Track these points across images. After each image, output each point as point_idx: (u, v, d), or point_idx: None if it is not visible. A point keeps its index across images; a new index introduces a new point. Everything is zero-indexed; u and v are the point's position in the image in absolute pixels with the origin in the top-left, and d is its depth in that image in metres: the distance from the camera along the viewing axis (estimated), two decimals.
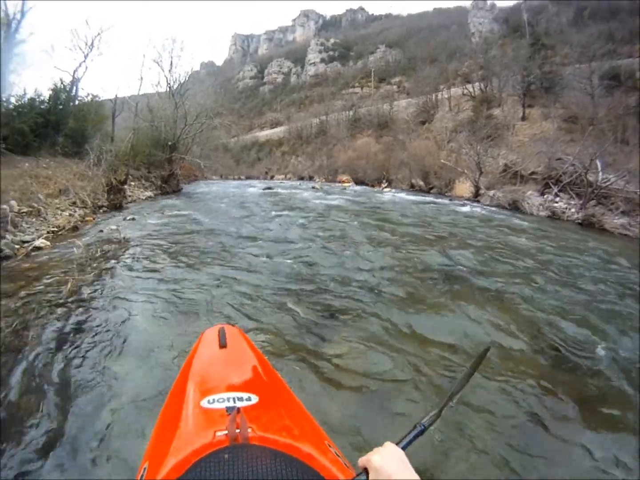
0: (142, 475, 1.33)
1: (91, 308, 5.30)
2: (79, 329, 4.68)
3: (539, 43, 44.92)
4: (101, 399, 3.42)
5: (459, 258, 8.64)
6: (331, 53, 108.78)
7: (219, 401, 1.54)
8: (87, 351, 4.19)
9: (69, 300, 5.46)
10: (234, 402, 1.52)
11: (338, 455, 1.41)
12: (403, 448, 1.06)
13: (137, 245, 8.92)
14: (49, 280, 6.22)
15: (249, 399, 1.56)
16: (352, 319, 5.25)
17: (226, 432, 1.28)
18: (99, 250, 8.17)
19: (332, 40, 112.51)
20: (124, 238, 9.44)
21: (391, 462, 0.96)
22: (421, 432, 1.17)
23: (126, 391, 3.55)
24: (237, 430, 1.27)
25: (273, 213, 15.24)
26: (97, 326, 4.76)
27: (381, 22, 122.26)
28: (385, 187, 34.83)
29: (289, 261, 7.93)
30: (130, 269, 7.09)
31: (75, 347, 4.25)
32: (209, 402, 1.54)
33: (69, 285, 5.80)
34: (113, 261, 7.55)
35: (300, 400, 1.92)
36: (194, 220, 13.18)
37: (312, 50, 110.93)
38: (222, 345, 2.01)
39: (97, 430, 3.03)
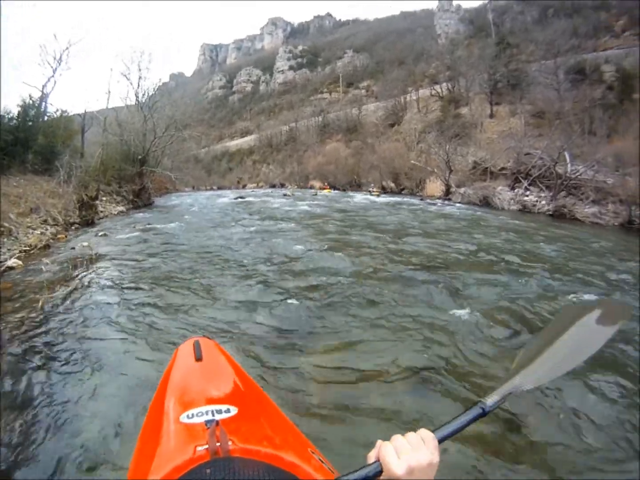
0: None
1: (63, 325, 5.22)
2: (51, 345, 4.64)
3: (504, 42, 45.47)
4: (77, 419, 3.35)
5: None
6: (299, 60, 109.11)
7: (198, 415, 1.47)
8: (59, 369, 4.13)
9: (41, 318, 5.40)
10: (213, 415, 1.46)
11: (322, 462, 1.34)
12: (441, 440, 0.85)
13: (108, 261, 8.86)
14: (22, 300, 6.17)
15: (227, 410, 1.50)
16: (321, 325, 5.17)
17: (207, 446, 1.20)
18: (70, 267, 8.07)
19: (300, 47, 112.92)
20: (95, 254, 9.28)
21: (410, 470, 0.75)
22: (481, 415, 0.94)
23: (101, 409, 3.50)
24: (218, 444, 1.18)
25: (244, 223, 15.04)
26: (69, 344, 4.69)
27: (348, 27, 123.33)
28: (374, 190, 32.44)
29: (263, 268, 7.91)
30: (102, 285, 7.04)
31: (48, 365, 4.20)
32: (188, 416, 1.48)
33: (41, 303, 5.77)
34: (85, 278, 7.47)
35: (280, 408, 1.87)
36: (164, 233, 13.03)
37: (280, 57, 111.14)
38: (198, 358, 1.93)
39: (70, 454, 2.90)
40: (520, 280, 6.74)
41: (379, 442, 0.83)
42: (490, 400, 0.97)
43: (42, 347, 4.61)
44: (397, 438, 0.83)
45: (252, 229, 13.44)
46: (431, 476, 0.78)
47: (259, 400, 1.82)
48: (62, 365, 4.24)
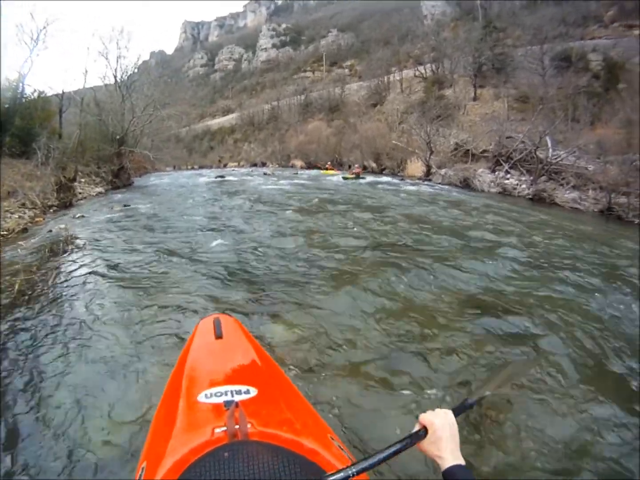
0: (140, 475, 1.29)
1: (40, 306, 5.24)
2: (28, 327, 4.62)
3: (490, 25, 45.35)
4: (71, 407, 3.19)
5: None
6: (283, 38, 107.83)
7: (217, 395, 1.47)
8: (40, 349, 4.11)
9: (18, 300, 5.40)
10: (232, 395, 1.47)
11: (342, 449, 1.39)
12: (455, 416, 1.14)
13: (84, 242, 8.89)
14: None
15: (247, 392, 1.50)
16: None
17: (225, 428, 1.22)
18: (47, 250, 8.08)
19: (283, 25, 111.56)
20: (71, 236, 9.31)
21: (446, 429, 1.06)
22: (471, 406, 1.25)
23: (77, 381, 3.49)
24: (236, 426, 1.21)
25: (221, 202, 15.37)
26: (46, 324, 4.69)
27: (333, 6, 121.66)
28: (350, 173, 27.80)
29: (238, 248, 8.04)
30: (77, 266, 7.06)
31: (24, 348, 4.17)
32: (206, 396, 1.48)
33: (17, 285, 5.79)
34: (61, 259, 7.58)
35: (300, 391, 1.90)
36: (141, 213, 13.15)
37: (263, 35, 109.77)
38: (218, 335, 1.94)
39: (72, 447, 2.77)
40: (489, 264, 6.61)
41: (420, 415, 1.11)
42: (471, 399, 1.25)
43: (18, 328, 4.60)
44: (429, 411, 1.12)
45: (223, 209, 13.58)
46: (457, 432, 1.08)
47: (279, 381, 1.82)
48: (38, 345, 4.20)
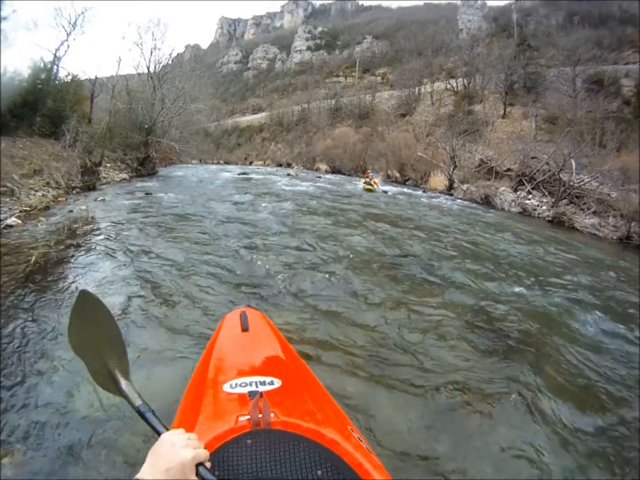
0: None
1: (53, 278, 5.59)
2: (42, 297, 4.87)
3: (525, 44, 45.08)
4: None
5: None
6: (318, 41, 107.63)
7: (242, 385, 1.54)
8: (44, 319, 4.33)
9: (34, 270, 5.74)
10: (257, 386, 1.53)
11: (361, 440, 1.40)
12: None
13: (102, 223, 9.27)
14: (16, 255, 6.48)
15: (271, 383, 1.56)
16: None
17: (249, 417, 1.27)
18: (65, 228, 8.42)
19: (319, 29, 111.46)
20: (91, 217, 9.77)
21: None
22: None
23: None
24: (260, 415, 1.25)
25: (241, 199, 15.18)
26: (56, 296, 4.95)
27: (370, 13, 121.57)
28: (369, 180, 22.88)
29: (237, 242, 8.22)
30: (93, 244, 7.45)
31: (38, 318, 4.37)
32: (231, 386, 1.55)
33: (34, 257, 6.09)
34: (78, 237, 7.91)
35: (323, 384, 1.94)
36: (161, 202, 13.33)
37: (299, 37, 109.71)
38: (244, 328, 2.02)
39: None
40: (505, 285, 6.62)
41: None
42: None
43: (32, 299, 4.79)
44: None
45: (245, 204, 13.62)
46: None
47: (302, 373, 1.85)
48: (47, 315, 4.41)
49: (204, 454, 0.94)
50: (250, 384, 1.54)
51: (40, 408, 2.97)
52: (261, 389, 1.49)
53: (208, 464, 0.96)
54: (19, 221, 8.99)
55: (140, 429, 2.58)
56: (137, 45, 27.50)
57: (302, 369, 1.92)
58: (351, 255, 7.49)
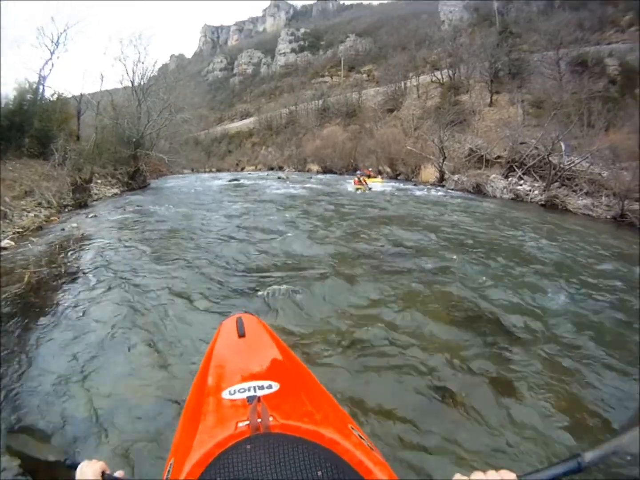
0: (168, 471, 1.35)
1: (45, 296, 5.82)
2: (34, 315, 5.10)
3: (507, 31, 45.23)
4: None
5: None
6: (301, 43, 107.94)
7: (240, 391, 1.55)
8: (38, 333, 4.59)
9: (28, 290, 5.94)
10: (255, 391, 1.54)
11: (362, 438, 1.40)
12: None
13: (93, 240, 9.48)
14: (8, 276, 6.64)
15: (269, 387, 1.57)
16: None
17: (248, 422, 1.27)
18: (57, 246, 8.70)
19: (302, 30, 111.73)
20: (82, 234, 9.99)
21: None
22: (574, 471, 0.86)
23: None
24: (259, 420, 1.25)
25: (229, 205, 15.80)
26: (48, 311, 5.23)
27: (352, 11, 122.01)
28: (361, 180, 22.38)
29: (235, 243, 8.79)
30: (83, 261, 7.69)
31: (34, 335, 4.58)
32: (230, 393, 1.55)
33: (27, 278, 6.25)
34: (69, 255, 8.14)
35: (322, 384, 1.95)
36: (151, 214, 13.70)
37: (282, 40, 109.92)
38: (241, 334, 2.03)
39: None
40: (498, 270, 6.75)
41: (457, 476, 0.91)
42: (590, 455, 0.88)
43: (26, 315, 5.06)
44: (477, 474, 0.89)
45: (233, 210, 14.17)
46: None
47: (300, 375, 1.86)
48: (42, 330, 4.65)
49: (99, 464, 1.14)
50: (249, 389, 1.56)
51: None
52: (259, 393, 1.52)
53: (109, 471, 1.15)
54: (12, 243, 9.21)
55: None
56: (120, 60, 27.78)
57: (300, 371, 1.94)
58: (336, 254, 7.67)
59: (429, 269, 6.62)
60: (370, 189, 21.01)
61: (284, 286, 5.79)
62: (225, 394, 1.55)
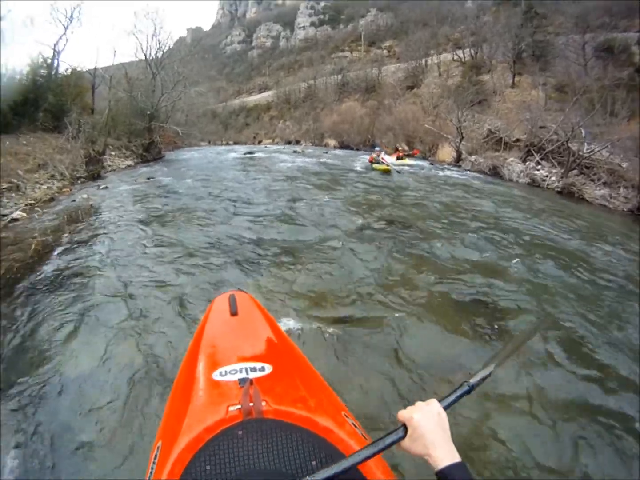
0: (155, 455, 1.29)
1: (50, 263, 6.15)
2: (38, 281, 5.41)
3: (532, 11, 43.98)
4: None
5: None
6: (321, 17, 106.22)
7: (231, 373, 1.51)
8: (42, 302, 4.78)
9: (34, 257, 6.36)
10: (247, 372, 1.50)
11: (355, 427, 1.40)
12: (446, 407, 1.04)
13: (101, 210, 9.86)
14: (19, 244, 7.05)
15: (262, 369, 1.54)
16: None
17: (239, 406, 1.25)
18: (65, 217, 9.14)
19: (322, 4, 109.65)
20: (91, 205, 10.45)
21: (429, 421, 0.97)
22: (467, 392, 1.12)
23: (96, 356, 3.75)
24: (251, 404, 1.23)
25: (242, 178, 15.84)
26: (54, 279, 5.47)
27: None
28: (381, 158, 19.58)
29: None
30: (91, 230, 7.99)
31: (39, 300, 4.84)
32: (221, 374, 1.51)
33: (33, 245, 6.73)
34: (77, 225, 8.47)
35: (316, 368, 1.91)
36: (162, 185, 13.93)
37: (301, 13, 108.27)
38: (233, 312, 1.96)
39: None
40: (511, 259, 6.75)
41: (399, 412, 1.01)
42: (473, 380, 1.13)
43: (30, 280, 5.39)
44: (412, 407, 1.02)
45: (247, 182, 14.48)
46: (446, 424, 0.99)
47: (294, 358, 1.82)
48: (46, 295, 4.93)
49: None
50: (241, 371, 1.51)
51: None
52: (251, 375, 1.48)
53: None
54: (24, 214, 9.67)
55: None
56: (134, 34, 27.64)
57: (294, 353, 1.90)
58: (345, 229, 8.03)
59: (444, 255, 6.71)
60: (398, 172, 17.36)
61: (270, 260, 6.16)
62: (216, 375, 1.51)
